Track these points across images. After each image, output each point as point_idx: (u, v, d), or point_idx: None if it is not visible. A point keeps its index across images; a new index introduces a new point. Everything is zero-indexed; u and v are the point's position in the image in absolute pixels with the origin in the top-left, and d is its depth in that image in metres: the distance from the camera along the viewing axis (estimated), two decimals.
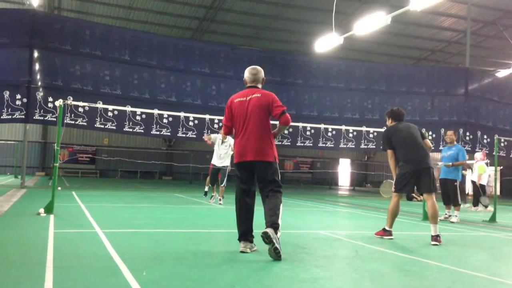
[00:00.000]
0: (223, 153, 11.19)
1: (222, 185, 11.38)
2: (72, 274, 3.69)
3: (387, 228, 6.54)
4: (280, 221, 4.77)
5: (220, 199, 11.45)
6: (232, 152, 10.87)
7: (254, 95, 5.07)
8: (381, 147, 6.88)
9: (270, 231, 4.53)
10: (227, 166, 11.21)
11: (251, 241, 5.01)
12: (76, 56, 15.55)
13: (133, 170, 32.15)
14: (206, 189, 12.56)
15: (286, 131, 17.87)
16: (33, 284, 3.33)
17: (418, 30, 28.38)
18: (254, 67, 5.36)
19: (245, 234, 5.00)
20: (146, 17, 26.48)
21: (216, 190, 11.89)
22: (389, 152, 6.57)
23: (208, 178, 11.94)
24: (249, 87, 5.23)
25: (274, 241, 4.49)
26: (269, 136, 5.09)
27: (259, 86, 5.27)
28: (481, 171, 13.90)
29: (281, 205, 4.91)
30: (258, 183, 5.03)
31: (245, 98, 5.09)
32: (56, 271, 3.70)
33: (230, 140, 10.97)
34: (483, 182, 14.04)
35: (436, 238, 6.13)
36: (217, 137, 11.32)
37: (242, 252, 4.86)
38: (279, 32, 28.48)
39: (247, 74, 5.33)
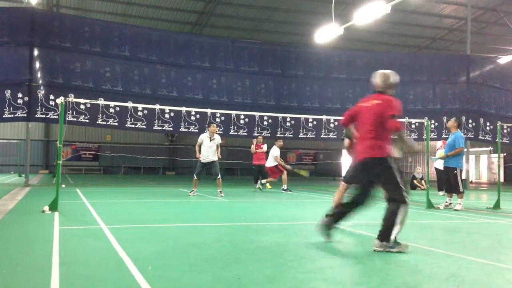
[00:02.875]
0: (212, 149, 11.66)
1: (218, 177, 11.79)
2: (78, 269, 3.71)
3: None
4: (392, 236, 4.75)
5: (220, 191, 11.87)
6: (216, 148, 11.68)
7: (375, 101, 5.09)
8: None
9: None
10: (215, 160, 11.70)
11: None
12: (76, 53, 15.50)
13: (137, 166, 32.19)
14: (284, 187, 14.03)
15: (288, 124, 17.86)
16: (39, 280, 3.35)
17: (419, 18, 28.20)
18: (382, 73, 5.32)
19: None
20: (145, 12, 26.39)
21: (201, 184, 12.66)
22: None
23: (284, 176, 13.84)
24: (375, 92, 5.25)
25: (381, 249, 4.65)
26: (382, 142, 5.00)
27: (387, 91, 5.21)
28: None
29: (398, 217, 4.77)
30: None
31: (367, 104, 5.15)
32: (62, 267, 3.72)
33: (217, 137, 11.76)
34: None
35: None
36: (204, 137, 11.78)
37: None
38: (279, 24, 28.36)
39: (373, 79, 5.29)
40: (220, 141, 12.01)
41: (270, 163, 14.52)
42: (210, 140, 11.69)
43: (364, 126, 5.06)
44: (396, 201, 4.72)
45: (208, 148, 11.65)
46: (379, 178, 4.88)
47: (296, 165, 35.91)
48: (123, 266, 3.82)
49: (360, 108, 5.18)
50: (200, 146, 11.79)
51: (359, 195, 5.01)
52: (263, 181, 14.62)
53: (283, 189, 14.38)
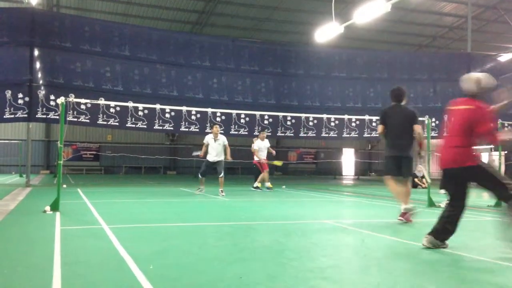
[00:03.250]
0: (219, 150, 11.84)
1: (221, 175, 11.95)
2: (79, 269, 3.71)
3: (407, 206, 6.73)
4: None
5: (221, 191, 11.94)
6: (223, 148, 11.88)
7: (465, 106, 4.82)
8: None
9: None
10: (222, 160, 11.92)
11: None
12: (77, 53, 15.51)
13: (137, 165, 32.19)
14: (268, 184, 13.94)
15: (289, 123, 17.86)
16: (41, 280, 3.36)
17: (419, 16, 28.18)
18: (474, 77, 4.99)
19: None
20: (145, 12, 26.39)
21: (208, 182, 12.52)
22: (381, 127, 6.91)
23: (265, 175, 13.64)
24: (466, 96, 4.97)
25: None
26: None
27: (479, 95, 4.89)
28: None
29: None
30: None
31: (456, 107, 4.93)
32: (63, 267, 3.72)
33: (221, 137, 11.88)
34: None
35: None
36: (208, 138, 11.97)
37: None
38: (279, 23, 28.35)
39: (463, 83, 4.95)
40: (226, 142, 12.11)
41: (255, 157, 14.40)
42: (215, 141, 11.85)
43: (451, 131, 4.83)
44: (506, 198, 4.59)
45: (214, 149, 11.84)
46: (479, 182, 4.77)
47: (297, 164, 35.95)
48: (124, 266, 3.83)
49: (450, 111, 4.96)
50: (207, 146, 11.97)
51: (457, 201, 4.84)
52: (255, 184, 14.36)
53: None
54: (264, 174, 14.12)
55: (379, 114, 7.05)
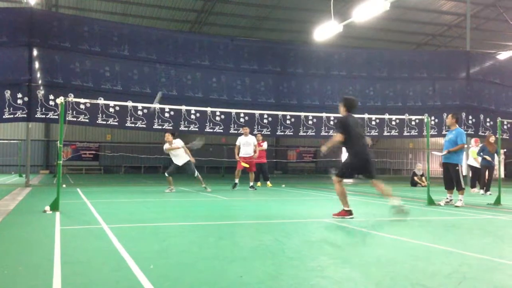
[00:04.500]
0: (176, 153, 12.80)
1: (196, 175, 12.85)
2: (79, 269, 3.71)
3: (346, 209, 7.04)
4: None
5: (205, 187, 12.86)
6: (183, 150, 12.73)
7: None
8: (335, 129, 7.37)
9: None
10: (188, 161, 12.79)
11: None
12: (76, 53, 15.50)
13: (137, 165, 32.19)
14: (236, 181, 13.98)
15: (288, 122, 17.85)
16: (41, 280, 3.36)
17: (418, 14, 28.18)
18: None
19: None
20: (144, 12, 26.37)
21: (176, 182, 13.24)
22: (341, 136, 7.07)
23: (236, 171, 13.98)
24: None
25: None
26: None
27: None
28: (474, 156, 14.57)
29: None
30: None
31: None
32: (64, 266, 3.72)
33: (176, 142, 12.69)
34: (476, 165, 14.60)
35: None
36: (165, 145, 12.92)
37: None
38: (278, 22, 28.34)
39: None
40: (179, 144, 12.80)
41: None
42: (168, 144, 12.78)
43: None
44: None
45: (176, 153, 12.79)
46: None
47: (296, 163, 35.93)
48: (124, 265, 3.83)
49: None
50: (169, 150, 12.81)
51: None
52: (251, 183, 14.29)
53: (235, 184, 14.23)
54: (236, 172, 14.12)
55: (342, 123, 7.21)
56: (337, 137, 7.10)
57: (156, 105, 12.10)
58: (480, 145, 14.50)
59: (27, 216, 7.09)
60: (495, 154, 14.03)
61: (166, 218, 7.32)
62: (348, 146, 7.20)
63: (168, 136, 12.77)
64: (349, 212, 7.04)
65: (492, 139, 13.88)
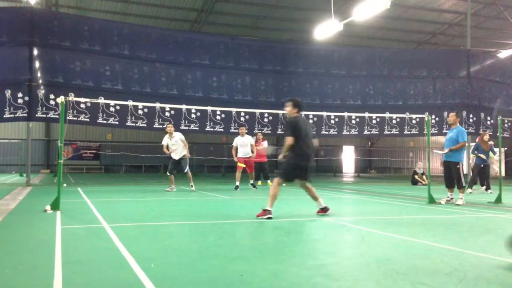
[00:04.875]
0: (175, 148, 12.68)
1: (186, 171, 12.87)
2: (80, 268, 3.71)
3: (268, 208, 6.85)
4: None
5: (192, 185, 12.96)
6: (182, 144, 12.70)
7: None
8: (284, 133, 7.23)
9: None
10: (184, 155, 12.76)
11: None
12: (76, 52, 15.49)
13: (138, 164, 32.22)
14: (237, 183, 13.66)
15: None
16: (42, 279, 3.36)
17: (418, 13, 28.15)
18: None
19: None
20: (144, 11, 26.36)
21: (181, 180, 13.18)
22: (293, 139, 6.89)
23: (237, 173, 13.71)
24: None
25: None
26: None
27: None
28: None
29: None
30: None
31: None
32: (64, 266, 3.72)
33: (176, 135, 12.65)
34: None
35: (325, 209, 7.29)
36: (165, 139, 12.82)
37: None
38: (278, 21, 28.32)
39: None
40: (179, 138, 12.79)
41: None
42: (171, 140, 12.73)
43: None
44: None
45: (174, 147, 12.79)
46: None
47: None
48: (125, 264, 3.83)
49: None
50: (165, 144, 12.81)
51: None
52: (251, 181, 14.26)
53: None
54: (237, 174, 13.92)
55: (292, 125, 7.00)
56: (289, 140, 6.89)
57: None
58: (474, 143, 14.50)
59: (28, 215, 7.10)
60: (490, 152, 14.04)
61: (167, 217, 7.32)
62: (297, 147, 6.92)
63: (170, 128, 12.79)
64: (269, 212, 6.80)
65: (486, 137, 13.85)
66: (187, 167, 13.01)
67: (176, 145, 12.72)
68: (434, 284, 3.33)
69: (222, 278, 3.45)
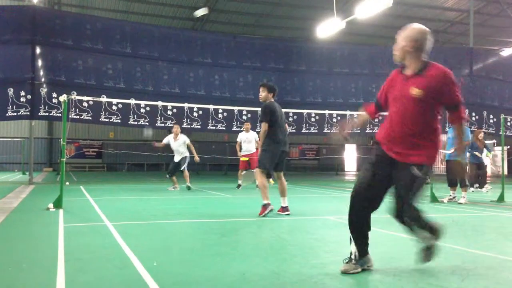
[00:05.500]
0: (179, 149, 12.68)
1: (182, 168, 12.74)
2: (83, 266, 3.72)
3: (265, 202, 6.87)
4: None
5: (188, 185, 12.74)
6: (185, 147, 12.70)
7: None
8: (260, 119, 7.09)
9: None
10: (186, 157, 12.73)
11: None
12: (78, 51, 15.51)
13: (140, 163, 32.23)
14: (240, 181, 13.40)
15: (291, 119, 17.83)
16: (45, 278, 3.37)
17: (421, 11, 28.07)
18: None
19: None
20: (146, 9, 26.37)
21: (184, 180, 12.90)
22: (267, 125, 6.80)
23: (239, 172, 13.41)
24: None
25: None
26: None
27: None
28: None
29: None
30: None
31: None
32: (67, 264, 3.73)
33: (181, 137, 12.62)
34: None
35: (285, 209, 7.10)
36: (168, 138, 12.87)
37: None
38: (280, 19, 28.28)
39: None
40: (184, 141, 12.78)
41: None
42: (175, 141, 12.75)
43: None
44: None
45: (176, 148, 12.79)
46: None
47: (299, 160, 35.88)
48: (128, 262, 3.84)
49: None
50: (163, 144, 12.92)
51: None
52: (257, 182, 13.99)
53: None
54: (239, 172, 13.59)
55: (265, 112, 6.83)
56: (265, 126, 6.78)
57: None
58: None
59: (31, 213, 7.11)
60: (485, 150, 13.98)
61: (169, 215, 7.33)
62: (272, 134, 6.81)
63: (177, 129, 12.77)
64: (268, 204, 6.85)
65: (481, 135, 13.77)
66: (185, 165, 12.82)
67: (179, 147, 12.67)
68: (437, 283, 3.32)
69: (224, 276, 3.45)
